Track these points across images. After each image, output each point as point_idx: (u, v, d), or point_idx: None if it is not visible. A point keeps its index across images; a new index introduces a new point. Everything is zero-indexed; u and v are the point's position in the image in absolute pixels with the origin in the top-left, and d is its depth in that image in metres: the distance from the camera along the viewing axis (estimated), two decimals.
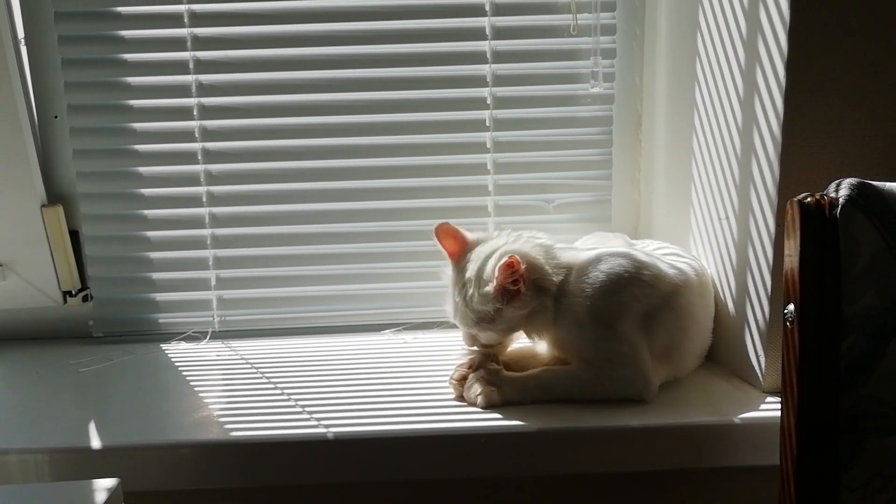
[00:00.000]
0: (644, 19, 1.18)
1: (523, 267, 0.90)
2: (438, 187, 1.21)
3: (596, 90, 1.18)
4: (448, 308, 0.99)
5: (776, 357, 0.92)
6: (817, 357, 0.71)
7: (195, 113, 1.16)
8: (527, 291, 0.91)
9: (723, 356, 1.03)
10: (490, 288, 0.90)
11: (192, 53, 1.14)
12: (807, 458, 0.71)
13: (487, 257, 0.94)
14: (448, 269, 1.00)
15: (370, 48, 1.16)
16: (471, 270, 0.94)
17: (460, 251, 0.98)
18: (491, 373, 0.93)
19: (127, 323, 1.21)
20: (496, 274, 0.89)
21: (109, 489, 0.72)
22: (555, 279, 0.92)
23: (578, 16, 1.15)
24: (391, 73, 1.17)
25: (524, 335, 0.99)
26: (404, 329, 1.21)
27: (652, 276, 0.93)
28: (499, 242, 0.97)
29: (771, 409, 0.90)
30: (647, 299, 0.92)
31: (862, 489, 0.70)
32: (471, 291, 0.93)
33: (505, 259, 0.89)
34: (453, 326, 1.02)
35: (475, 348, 0.99)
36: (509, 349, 1.02)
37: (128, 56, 1.14)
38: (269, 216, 1.20)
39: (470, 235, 1.00)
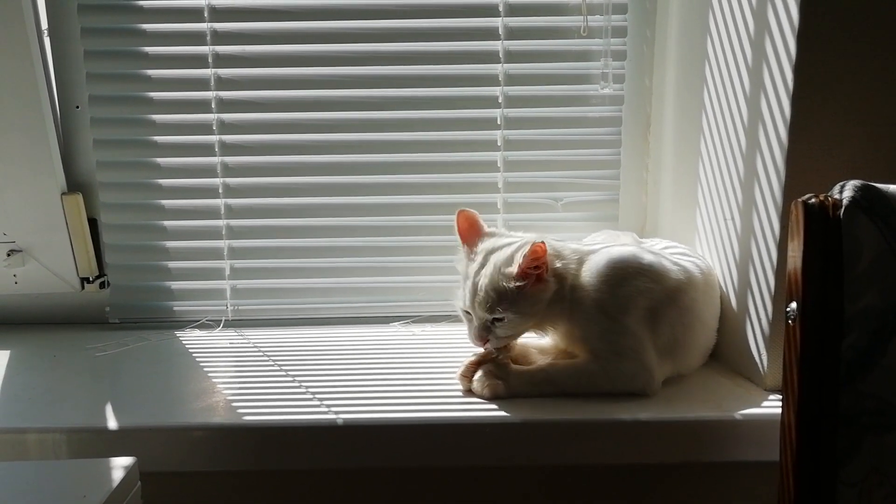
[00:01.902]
0: (655, 22, 1.20)
1: (546, 255, 0.92)
2: (449, 184, 1.23)
3: (606, 91, 1.19)
4: (459, 298, 0.98)
5: (778, 355, 0.93)
6: (818, 354, 0.72)
7: (213, 106, 1.18)
8: (549, 277, 0.93)
9: (726, 353, 1.04)
10: (514, 268, 0.91)
11: (212, 48, 1.16)
12: (806, 453, 0.73)
13: (508, 245, 0.96)
14: (461, 257, 1.00)
15: (386, 46, 1.18)
16: (490, 254, 0.95)
17: (474, 236, 0.99)
18: (498, 366, 0.95)
19: (142, 310, 1.24)
20: (520, 258, 0.91)
21: (126, 467, 0.73)
22: (572, 268, 0.95)
23: (590, 17, 1.16)
24: (405, 70, 1.19)
25: (532, 331, 0.99)
26: (413, 322, 1.23)
27: (656, 273, 0.95)
28: (516, 236, 0.99)
29: (772, 406, 0.91)
30: (650, 294, 0.94)
31: (859, 485, 0.71)
32: (492, 270, 0.93)
33: (530, 245, 0.91)
34: (460, 319, 1.01)
35: (483, 350, 0.97)
36: (516, 347, 1.03)
37: (148, 49, 1.17)
38: (284, 209, 1.22)
39: (487, 229, 1.01)
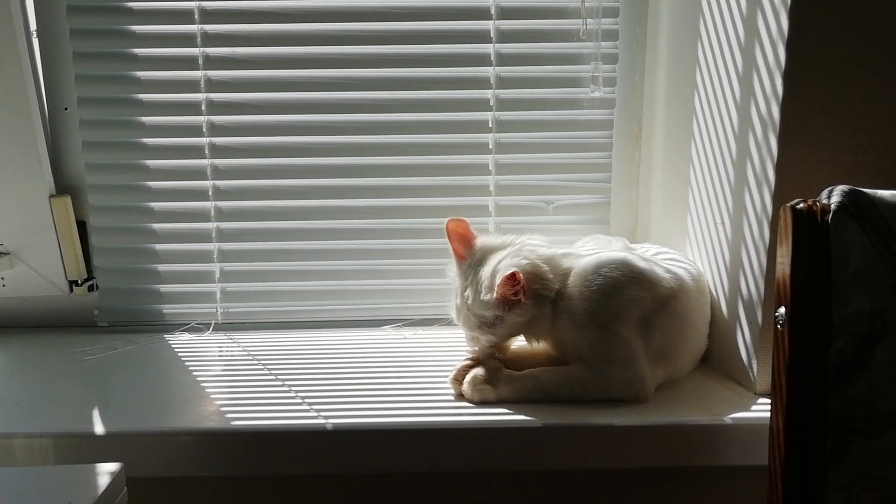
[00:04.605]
0: (646, 25, 1.20)
1: (524, 279, 0.91)
2: (441, 186, 1.23)
3: (597, 94, 1.19)
4: (452, 310, 1.01)
5: (769, 360, 0.92)
6: (806, 359, 0.72)
7: (203, 108, 1.17)
8: (526, 301, 0.92)
9: (717, 358, 1.04)
10: (490, 297, 0.92)
11: (202, 49, 1.15)
12: (794, 457, 0.73)
13: (489, 264, 0.95)
14: (453, 267, 1.01)
15: (377, 48, 1.18)
16: (473, 276, 0.96)
17: (467, 250, 0.99)
18: (490, 371, 0.95)
19: (131, 313, 1.23)
20: (497, 284, 0.91)
21: (112, 473, 0.72)
22: (554, 287, 0.94)
23: (581, 21, 1.16)
24: (396, 73, 1.19)
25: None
26: (404, 325, 1.23)
27: (648, 281, 0.94)
28: (501, 247, 0.98)
29: (762, 410, 0.91)
30: (643, 302, 0.93)
31: (848, 489, 0.71)
32: (472, 297, 0.95)
33: (507, 272, 0.90)
34: (452, 323, 1.03)
35: (477, 349, 0.99)
36: (511, 347, 1.03)
37: (138, 51, 1.16)
38: (274, 211, 1.22)
39: (478, 237, 1.00)
